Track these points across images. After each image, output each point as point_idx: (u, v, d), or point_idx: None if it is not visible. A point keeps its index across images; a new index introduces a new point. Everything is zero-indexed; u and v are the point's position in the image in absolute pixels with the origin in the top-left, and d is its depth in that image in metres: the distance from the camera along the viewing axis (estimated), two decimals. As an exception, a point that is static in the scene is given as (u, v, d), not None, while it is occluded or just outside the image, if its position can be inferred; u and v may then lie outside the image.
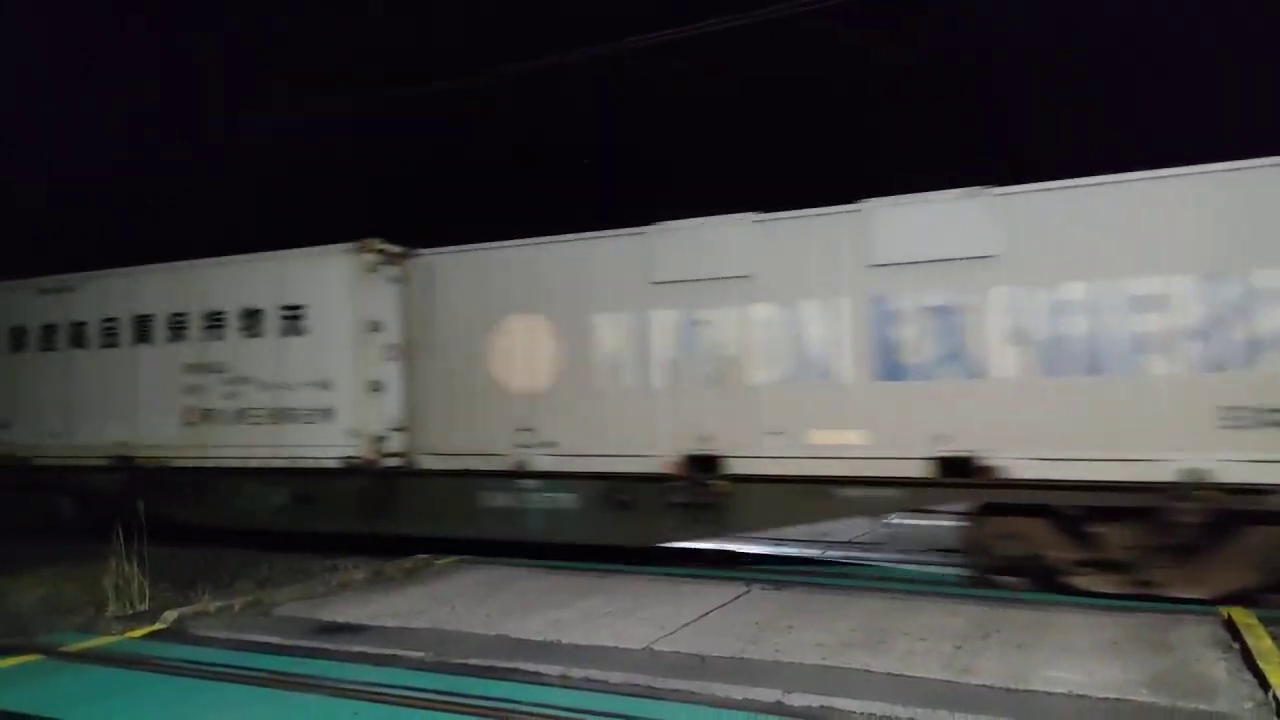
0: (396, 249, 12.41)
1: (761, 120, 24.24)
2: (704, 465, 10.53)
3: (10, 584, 10.05)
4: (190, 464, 13.10)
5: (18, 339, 14.71)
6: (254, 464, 12.68)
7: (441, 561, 11.49)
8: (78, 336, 14.15)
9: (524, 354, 11.57)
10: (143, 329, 13.63)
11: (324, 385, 12.21)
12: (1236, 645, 7.11)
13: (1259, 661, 6.52)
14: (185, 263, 13.62)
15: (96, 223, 25.45)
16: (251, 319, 12.83)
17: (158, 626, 8.50)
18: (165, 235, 24.16)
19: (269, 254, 12.93)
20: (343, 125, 23.59)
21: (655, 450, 10.73)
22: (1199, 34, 19.72)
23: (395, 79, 22.46)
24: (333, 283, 12.33)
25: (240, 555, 11.74)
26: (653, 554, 11.52)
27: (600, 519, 11.11)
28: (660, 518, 10.78)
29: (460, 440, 11.89)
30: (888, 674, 6.68)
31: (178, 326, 13.36)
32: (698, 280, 10.70)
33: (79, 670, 7.44)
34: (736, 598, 9.09)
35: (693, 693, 6.42)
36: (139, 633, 8.37)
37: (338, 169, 25.26)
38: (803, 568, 11.27)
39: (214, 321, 13.10)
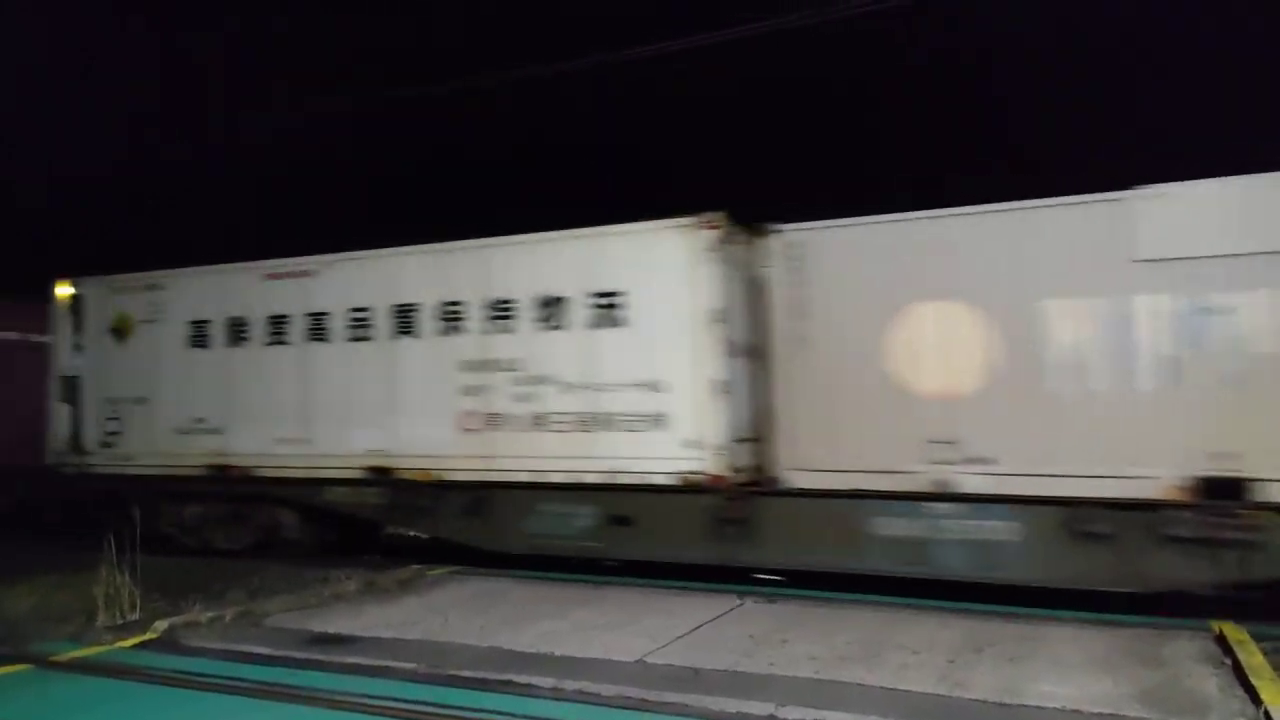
0: (737, 225, 10.62)
1: (762, 120, 24.23)
2: (1222, 490, 8.50)
3: (2, 592, 9.98)
4: (468, 478, 11.36)
5: (236, 331, 12.85)
6: (554, 479, 10.94)
7: (435, 572, 11.33)
8: (318, 328, 12.33)
9: (940, 349, 9.60)
10: (405, 320, 11.82)
11: (653, 387, 10.42)
12: (1228, 661, 7.09)
13: (1250, 677, 6.51)
14: (461, 243, 11.78)
15: (96, 223, 25.47)
16: (551, 308, 11.01)
17: (148, 636, 8.45)
18: (165, 235, 24.22)
19: (574, 231, 11.15)
20: (343, 125, 23.59)
21: (1143, 470, 8.71)
22: (1199, 34, 19.70)
23: (395, 79, 22.48)
24: (663, 265, 10.51)
25: (232, 565, 11.54)
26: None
27: (1054, 554, 9.07)
28: (1150, 554, 8.77)
29: (845, 454, 9.86)
30: (882, 688, 6.66)
31: (451, 317, 11.53)
32: (1209, 257, 8.65)
33: (69, 680, 7.41)
34: (730, 610, 9.05)
35: (686, 705, 6.39)
36: (129, 642, 8.33)
37: (338, 169, 25.29)
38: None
39: (501, 311, 11.26)
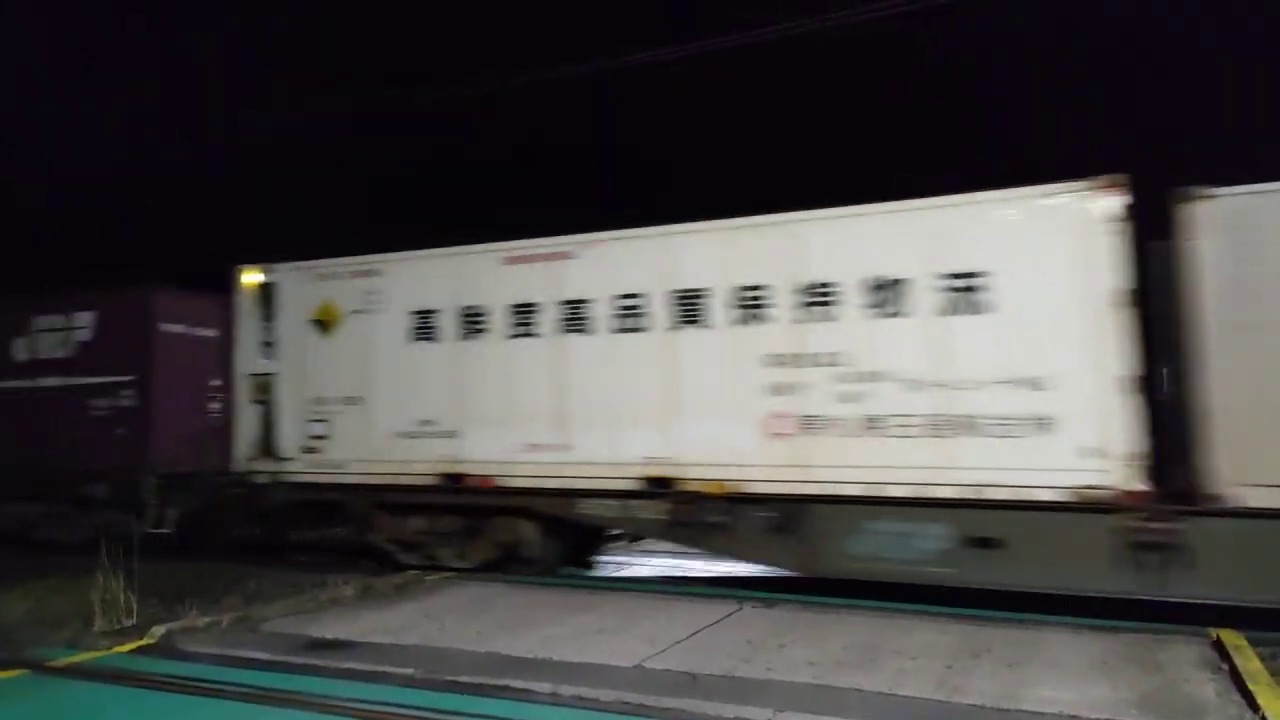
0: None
1: (763, 121, 24.25)
2: None
3: (-2, 597, 9.97)
4: (775, 490, 9.93)
5: (471, 322, 11.49)
6: (894, 492, 9.44)
7: (433, 577, 11.23)
8: (575, 318, 10.94)
9: None
10: (689, 307, 10.41)
11: (1033, 384, 8.94)
12: (1225, 666, 7.08)
13: (1248, 682, 6.50)
14: (762, 218, 10.29)
15: (96, 223, 25.53)
16: (887, 292, 9.57)
17: (145, 641, 8.42)
18: (165, 235, 24.28)
19: (915, 202, 9.64)
20: (343, 125, 23.65)
21: None
22: (1199, 34, 19.71)
23: (395, 79, 22.50)
24: (1045, 239, 9.04)
25: (229, 570, 11.46)
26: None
27: None
28: None
29: None
30: (879, 693, 6.64)
31: (750, 304, 10.11)
32: None
33: (65, 685, 7.39)
34: (728, 615, 9.01)
35: (684, 711, 6.37)
36: (126, 648, 8.30)
37: (338, 169, 25.32)
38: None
39: (817, 296, 9.83)
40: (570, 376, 10.93)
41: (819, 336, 9.81)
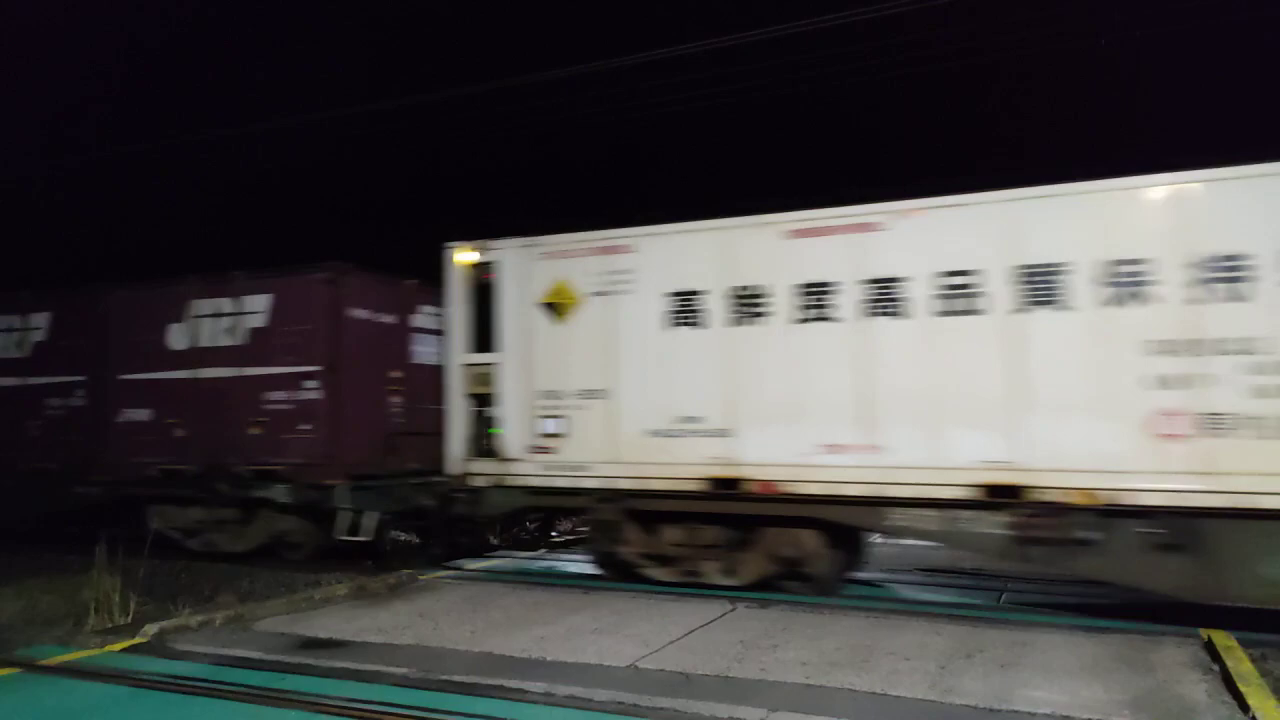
0: None
1: (763, 121, 24.26)
2: None
3: (-11, 595, 9.93)
4: (1165, 501, 8.40)
5: (746, 304, 10.10)
6: None
7: (426, 576, 11.25)
8: (884, 299, 9.53)
9: None
10: (1039, 285, 8.95)
11: None
12: (1216, 667, 7.11)
13: (1239, 684, 6.52)
14: (1130, 180, 8.83)
15: (95, 222, 25.56)
16: None
17: (138, 640, 8.41)
18: (167, 235, 24.31)
19: None
20: (341, 129, 23.65)
21: None
22: (1199, 34, 19.72)
23: (393, 80, 22.53)
24: None
25: (222, 569, 11.44)
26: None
27: None
28: None
29: None
30: (872, 693, 6.66)
31: (1127, 280, 8.64)
32: None
33: (57, 684, 7.39)
34: (721, 616, 9.03)
35: (677, 710, 6.39)
36: (119, 646, 8.30)
37: (338, 169, 25.34)
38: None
39: (1223, 272, 8.29)
40: (878, 367, 9.55)
41: (1225, 319, 8.31)
